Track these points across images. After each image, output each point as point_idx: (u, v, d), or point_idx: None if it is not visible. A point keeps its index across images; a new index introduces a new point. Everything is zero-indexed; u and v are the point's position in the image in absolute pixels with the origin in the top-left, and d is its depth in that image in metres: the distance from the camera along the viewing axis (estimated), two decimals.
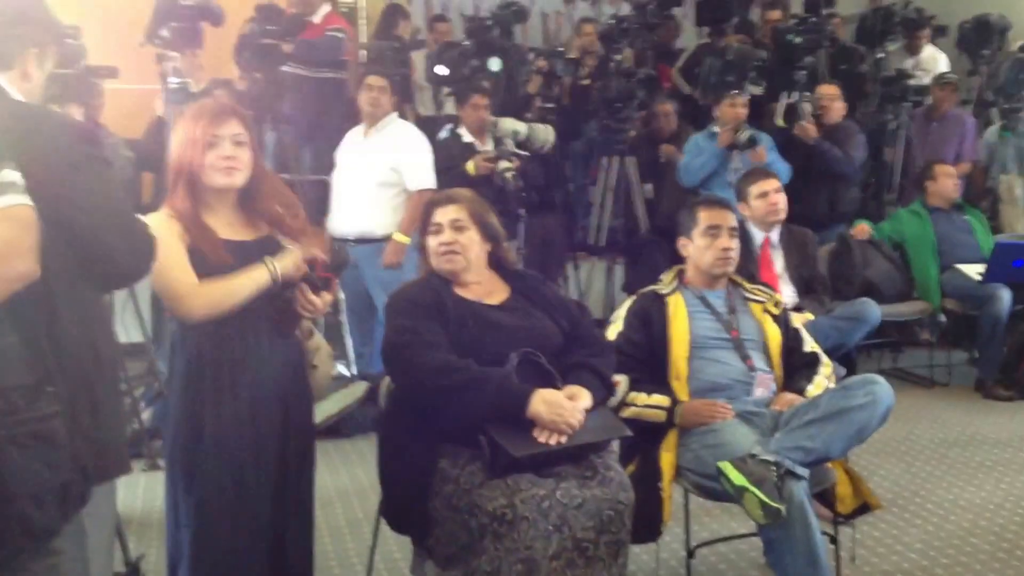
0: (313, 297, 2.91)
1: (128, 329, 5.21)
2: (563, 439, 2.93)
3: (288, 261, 2.86)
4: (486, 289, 3.24)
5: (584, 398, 3.01)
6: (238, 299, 2.81)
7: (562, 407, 2.94)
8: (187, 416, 2.85)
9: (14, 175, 2.02)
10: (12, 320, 2.05)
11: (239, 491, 2.85)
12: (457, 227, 3.20)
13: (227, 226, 2.91)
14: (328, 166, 6.09)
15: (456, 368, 2.95)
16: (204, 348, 2.84)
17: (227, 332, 2.84)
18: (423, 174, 5.71)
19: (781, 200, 5.34)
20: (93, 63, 4.98)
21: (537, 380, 3.02)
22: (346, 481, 4.90)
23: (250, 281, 2.82)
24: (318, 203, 6.09)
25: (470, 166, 6.03)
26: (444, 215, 3.23)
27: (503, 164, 5.93)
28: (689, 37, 9.09)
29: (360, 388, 5.36)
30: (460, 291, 3.19)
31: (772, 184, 5.36)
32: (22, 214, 2.00)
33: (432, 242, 3.22)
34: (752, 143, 6.36)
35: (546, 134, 6.27)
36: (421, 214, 3.34)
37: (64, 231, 2.18)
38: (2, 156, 2.04)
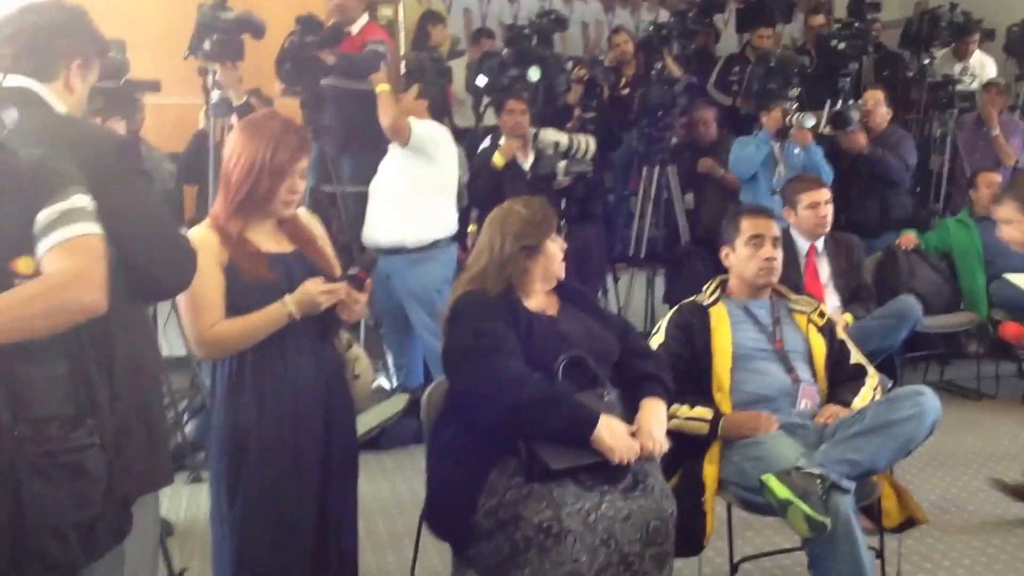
0: (356, 295, 2.90)
1: (171, 342, 5.23)
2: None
3: (306, 300, 2.84)
4: (547, 302, 3.23)
5: (663, 413, 3.09)
6: (251, 341, 2.83)
7: (624, 438, 2.93)
8: (229, 429, 2.86)
9: (84, 199, 2.01)
10: (63, 348, 2.02)
11: (282, 503, 2.85)
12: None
13: (269, 239, 2.92)
14: (367, 178, 6.09)
15: (531, 383, 2.93)
16: (245, 360, 2.85)
17: (268, 344, 2.84)
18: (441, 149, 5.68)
19: (830, 213, 5.26)
20: (136, 77, 5.02)
21: (583, 383, 3.02)
22: (386, 493, 4.89)
23: (266, 323, 2.82)
24: (357, 214, 6.10)
25: (497, 158, 6.01)
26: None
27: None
28: (729, 44, 9.04)
29: (401, 400, 5.35)
30: (527, 302, 3.17)
31: (823, 195, 5.25)
32: (93, 244, 1.99)
33: (555, 248, 3.21)
34: (806, 124, 6.25)
35: (587, 143, 6.24)
36: (549, 218, 3.27)
37: (107, 244, 2.18)
38: (72, 178, 2.02)
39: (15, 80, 2.27)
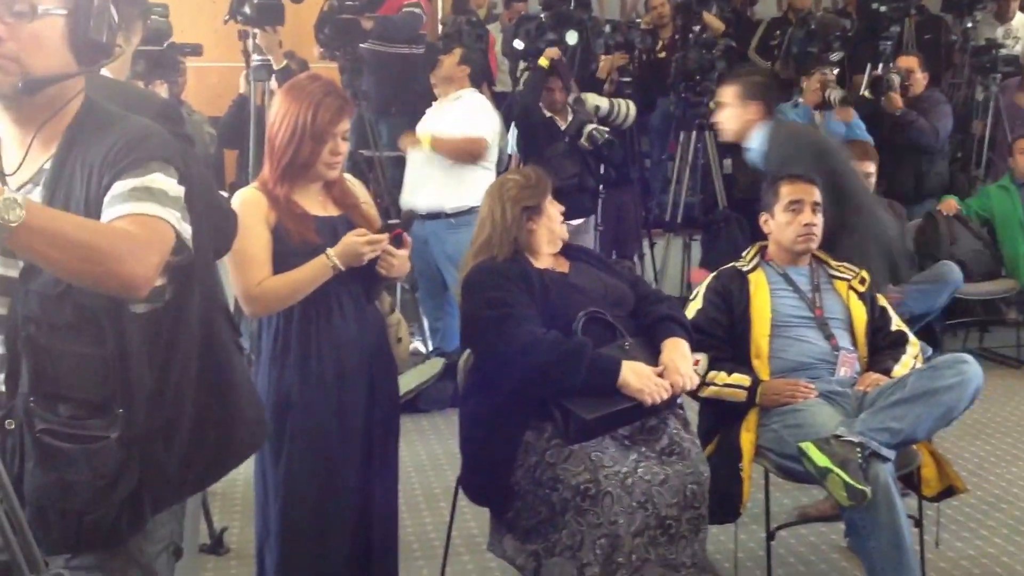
0: (397, 251, 2.92)
1: None
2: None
3: (349, 251, 2.85)
4: (555, 261, 3.28)
5: (686, 350, 3.11)
6: (298, 296, 2.86)
7: (651, 379, 2.96)
8: (274, 388, 2.90)
9: (167, 183, 1.87)
10: (105, 329, 1.88)
11: (326, 462, 2.89)
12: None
13: (315, 203, 2.94)
14: None
15: (548, 343, 2.96)
16: (291, 322, 2.89)
17: (313, 307, 2.88)
18: (476, 126, 5.67)
19: (870, 184, 5.19)
20: (178, 40, 5.04)
21: (603, 336, 3.05)
22: (423, 456, 4.92)
23: (311, 277, 2.84)
24: (395, 179, 6.11)
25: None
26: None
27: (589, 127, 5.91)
28: (768, 6, 8.94)
29: (437, 364, 5.39)
30: (536, 263, 3.20)
31: (863, 167, 5.17)
32: (162, 229, 1.83)
33: (555, 211, 3.26)
34: (845, 102, 6.18)
35: (627, 109, 6.21)
36: (539, 183, 3.29)
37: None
38: (152, 155, 1.88)
39: None
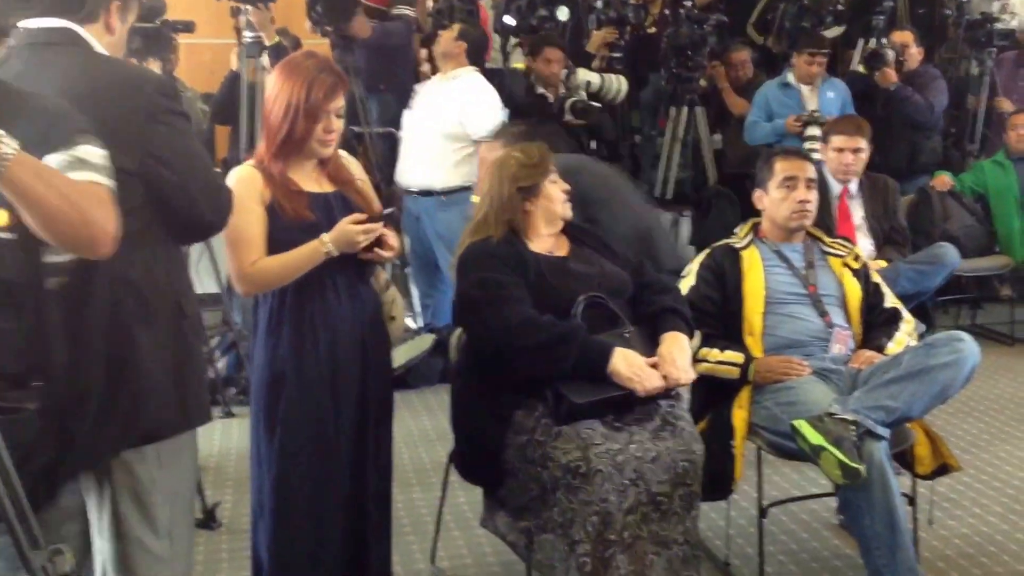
0: (390, 235, 2.92)
1: (202, 279, 5.25)
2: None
3: (343, 238, 2.84)
4: (556, 243, 3.23)
5: (685, 344, 3.05)
6: (291, 277, 2.86)
7: (642, 368, 2.93)
8: (269, 365, 2.91)
9: (93, 152, 1.96)
10: (21, 302, 1.97)
11: (320, 436, 2.90)
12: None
13: (310, 180, 2.94)
14: (395, 118, 6.06)
15: (540, 326, 2.94)
16: (285, 299, 2.90)
17: (307, 283, 2.88)
18: (490, 124, 5.62)
19: (857, 162, 5.15)
20: (171, 17, 5.01)
21: (603, 323, 3.02)
22: (413, 432, 4.91)
23: (304, 260, 2.84)
24: (386, 155, 6.08)
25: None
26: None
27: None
28: None
29: (427, 340, 5.38)
30: (532, 245, 3.16)
31: (853, 143, 5.11)
32: (101, 194, 1.94)
33: (555, 190, 3.21)
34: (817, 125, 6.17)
35: (619, 84, 6.17)
36: (543, 158, 3.26)
37: (146, 183, 2.18)
38: (76, 127, 1.98)
39: (56, 21, 2.26)
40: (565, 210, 3.23)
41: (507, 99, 5.97)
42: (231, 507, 4.03)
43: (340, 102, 2.91)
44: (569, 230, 3.28)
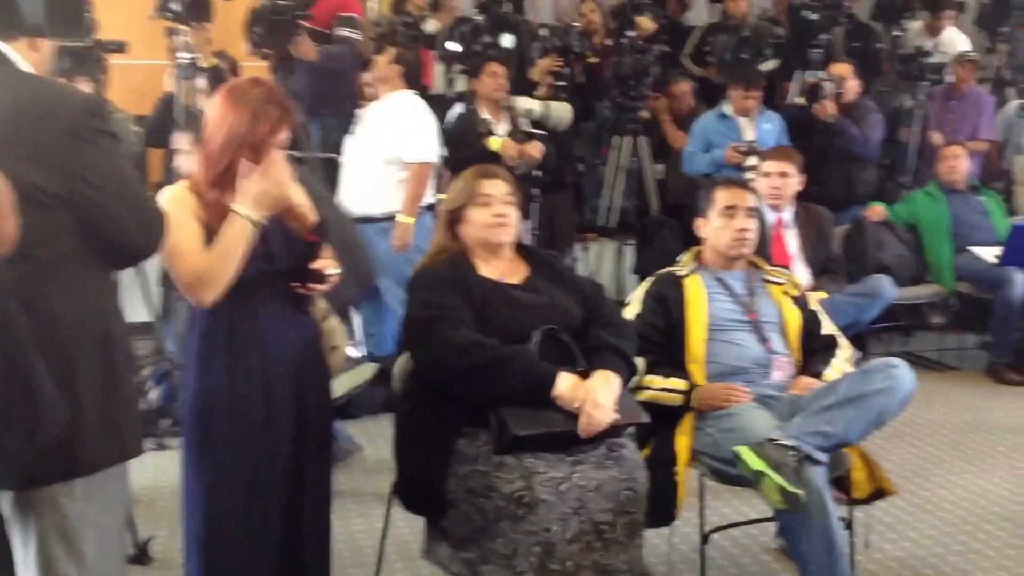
0: (329, 265, 2.87)
1: (136, 308, 5.17)
2: (575, 423, 2.90)
3: (255, 197, 2.71)
4: (508, 268, 3.21)
5: (614, 384, 2.98)
6: (234, 262, 2.70)
7: (594, 403, 2.90)
8: (200, 392, 2.82)
9: None
10: None
11: (253, 467, 2.82)
12: (507, 202, 3.19)
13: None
14: (337, 143, 6.04)
15: (482, 348, 2.93)
16: (218, 324, 2.81)
17: (241, 309, 2.80)
18: (422, 147, 5.61)
19: (784, 186, 5.25)
20: (103, 37, 4.94)
21: (558, 357, 2.99)
22: (354, 462, 4.86)
23: (232, 239, 2.69)
24: (327, 181, 6.05)
25: (496, 143, 5.96)
26: (494, 188, 3.19)
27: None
28: (699, 13, 9.01)
29: (369, 369, 5.33)
30: (483, 270, 3.15)
31: (780, 167, 5.26)
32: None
33: (481, 214, 3.16)
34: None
35: (562, 112, 6.19)
36: (467, 184, 3.23)
37: (73, 207, 2.13)
38: None
39: None
40: (492, 234, 3.16)
41: (455, 126, 5.99)
42: (164, 542, 3.94)
43: (286, 135, 2.82)
44: (529, 256, 3.27)
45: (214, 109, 2.81)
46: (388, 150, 5.55)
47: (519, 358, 2.92)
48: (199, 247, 2.71)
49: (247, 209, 2.69)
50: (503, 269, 3.19)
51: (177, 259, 2.71)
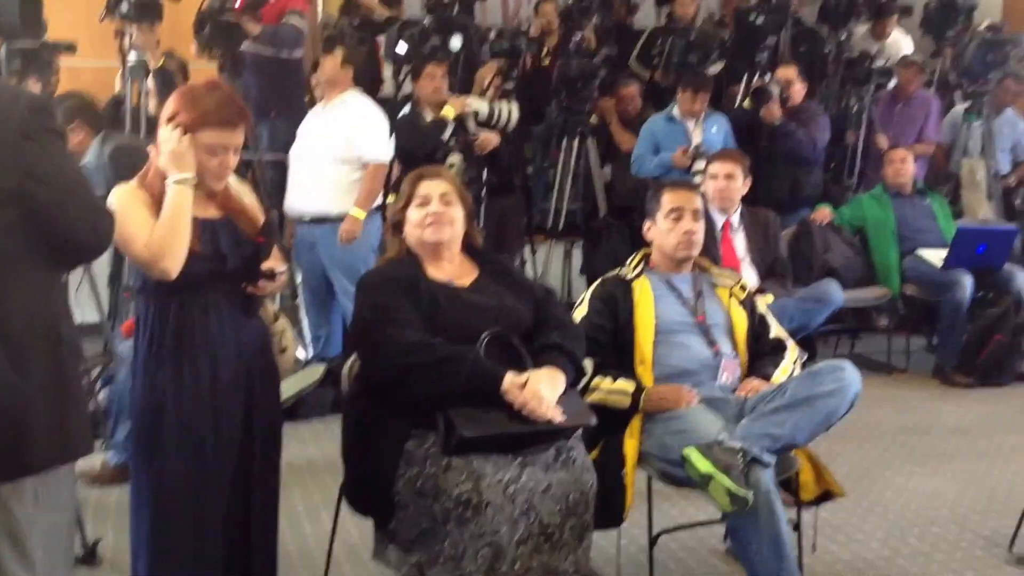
0: (278, 265, 2.89)
1: (84, 308, 5.10)
2: (523, 425, 2.90)
3: (169, 153, 2.76)
4: (457, 270, 3.20)
5: (558, 380, 2.98)
6: (183, 227, 2.75)
7: (535, 394, 2.90)
8: (148, 393, 2.83)
9: None
10: None
11: (200, 467, 2.83)
12: (446, 201, 3.17)
13: (197, 204, 2.85)
14: (285, 145, 6.01)
15: (428, 347, 2.92)
16: (167, 326, 2.81)
17: (190, 311, 2.81)
18: (378, 146, 5.62)
19: (730, 188, 5.29)
20: (52, 38, 4.88)
21: (507, 360, 2.99)
22: (302, 464, 4.83)
23: (174, 206, 2.74)
24: (276, 183, 6.02)
25: (450, 111, 5.98)
26: (433, 188, 3.18)
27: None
28: (648, 16, 9.05)
29: (318, 370, 5.32)
30: (432, 272, 3.15)
31: (725, 169, 5.31)
32: None
33: (416, 215, 3.17)
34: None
35: (510, 109, 6.16)
36: (407, 187, 3.25)
37: (21, 202, 2.12)
38: None
39: None
40: (427, 234, 3.15)
41: (400, 125, 5.98)
42: (113, 542, 3.90)
43: (237, 138, 2.84)
44: (479, 258, 3.26)
45: (169, 110, 2.83)
46: (343, 149, 5.54)
47: (466, 357, 2.92)
48: (147, 226, 2.75)
49: (176, 173, 2.75)
50: (452, 271, 3.19)
51: (132, 245, 2.73)
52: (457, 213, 3.19)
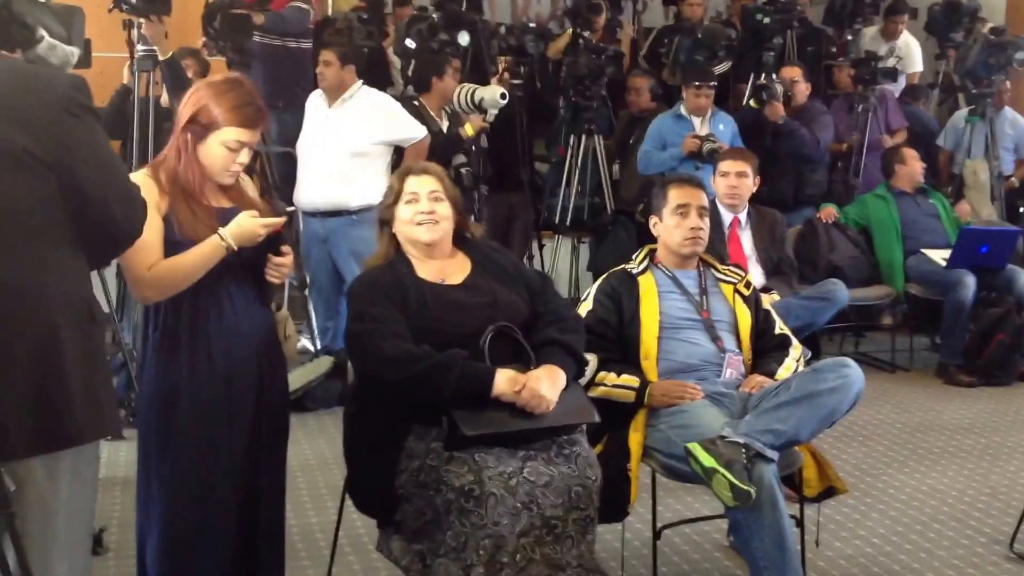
0: (284, 258, 2.91)
1: None
2: (525, 422, 2.92)
3: (243, 231, 2.80)
4: (449, 268, 3.19)
5: (558, 378, 2.99)
6: (190, 279, 2.78)
7: (535, 394, 2.91)
8: (162, 386, 2.84)
9: None
10: None
11: (212, 458, 2.85)
12: (435, 198, 3.16)
13: (210, 194, 2.88)
14: (293, 138, 6.03)
15: (412, 358, 2.91)
16: (180, 317, 2.83)
17: (203, 300, 2.82)
18: (413, 124, 5.67)
19: (742, 186, 5.31)
20: None
21: (512, 354, 3.00)
22: (309, 455, 4.86)
23: (203, 258, 2.77)
24: (284, 175, 6.04)
25: (471, 129, 5.98)
26: (421, 185, 3.17)
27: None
28: (656, 15, 9.07)
29: (325, 363, 5.36)
30: (422, 271, 3.14)
31: (737, 167, 5.31)
32: None
33: (407, 211, 3.16)
34: (713, 155, 6.22)
35: (493, 94, 6.04)
36: (395, 183, 3.24)
37: (60, 176, 2.16)
38: None
39: None
40: (416, 232, 3.14)
41: None
42: (117, 532, 3.93)
43: (256, 137, 2.87)
44: (471, 250, 3.26)
45: (191, 101, 2.84)
46: (360, 144, 5.57)
47: (452, 364, 2.90)
48: (157, 244, 2.76)
49: (230, 239, 2.77)
50: (442, 268, 3.17)
51: (133, 253, 2.68)
52: (446, 210, 3.17)
